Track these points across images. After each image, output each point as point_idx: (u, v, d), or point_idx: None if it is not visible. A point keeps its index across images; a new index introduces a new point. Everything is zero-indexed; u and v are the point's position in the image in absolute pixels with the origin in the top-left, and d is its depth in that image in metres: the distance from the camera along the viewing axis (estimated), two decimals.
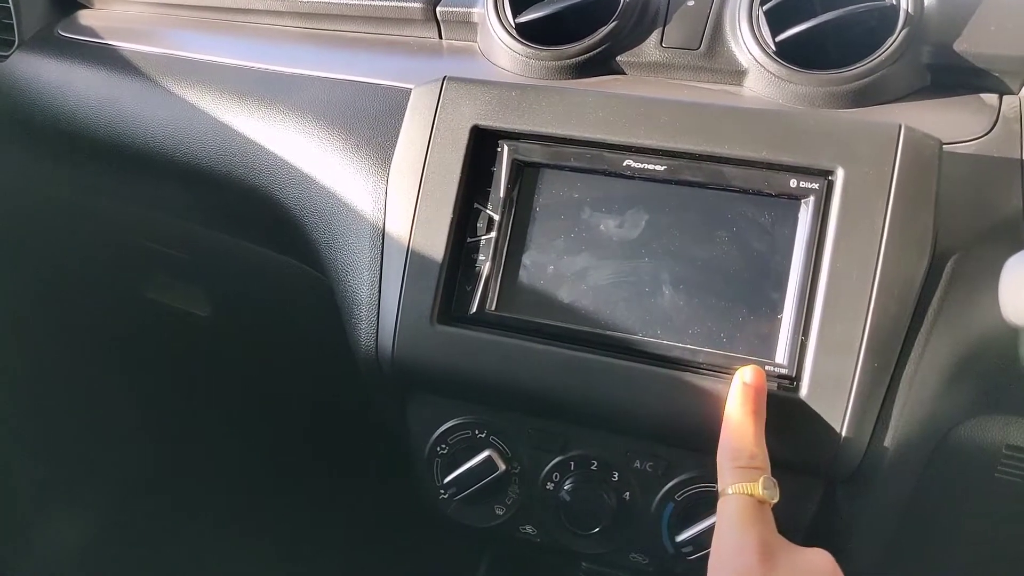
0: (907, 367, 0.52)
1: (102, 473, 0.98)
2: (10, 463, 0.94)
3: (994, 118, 0.59)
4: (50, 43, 0.87)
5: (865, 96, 0.60)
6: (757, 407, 0.51)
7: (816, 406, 0.52)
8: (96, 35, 0.85)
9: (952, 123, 0.59)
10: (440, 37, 0.75)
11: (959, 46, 0.60)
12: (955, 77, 0.61)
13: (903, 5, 0.60)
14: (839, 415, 0.52)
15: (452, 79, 0.62)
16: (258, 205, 0.72)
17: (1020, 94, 0.60)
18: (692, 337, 0.56)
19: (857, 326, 0.52)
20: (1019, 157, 0.56)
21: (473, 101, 0.61)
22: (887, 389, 0.52)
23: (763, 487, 0.47)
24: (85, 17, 0.90)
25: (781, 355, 0.54)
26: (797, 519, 0.57)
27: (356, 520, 0.93)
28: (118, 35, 0.84)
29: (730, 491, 0.48)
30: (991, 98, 0.61)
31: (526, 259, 0.60)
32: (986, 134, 0.58)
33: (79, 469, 0.97)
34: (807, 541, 0.53)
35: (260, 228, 0.77)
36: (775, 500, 0.48)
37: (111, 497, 0.97)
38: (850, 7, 0.59)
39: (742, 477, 0.48)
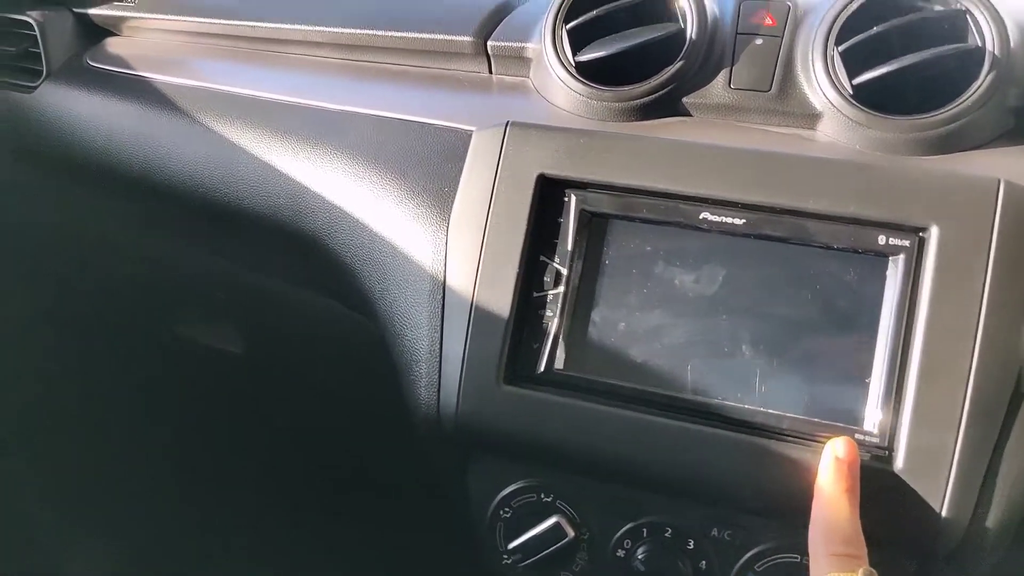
0: (1010, 439, 0.50)
1: (130, 510, 0.95)
2: (43, 494, 0.92)
3: None
4: (80, 74, 0.84)
5: (949, 143, 0.57)
6: (851, 485, 0.48)
7: (913, 481, 0.50)
8: (127, 65, 0.82)
9: None
10: (490, 72, 0.72)
11: None
12: None
13: (988, 47, 0.57)
14: (939, 490, 0.49)
15: (516, 124, 0.59)
16: (305, 250, 0.70)
17: None
18: (774, 401, 0.53)
19: (957, 394, 0.49)
20: None
21: (539, 148, 0.58)
22: (989, 461, 0.50)
23: None
24: (114, 45, 0.87)
25: (872, 423, 0.51)
26: None
27: None
28: (150, 66, 0.81)
29: None
30: None
31: (595, 316, 0.57)
32: None
33: (107, 502, 0.94)
34: None
35: (307, 273, 0.74)
36: None
37: (141, 533, 0.95)
38: (935, 49, 0.56)
39: (839, 566, 0.45)
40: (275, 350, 0.87)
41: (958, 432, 0.49)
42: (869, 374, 0.52)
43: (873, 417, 0.51)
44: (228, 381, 0.91)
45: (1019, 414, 0.50)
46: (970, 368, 0.49)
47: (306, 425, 0.88)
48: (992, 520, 0.50)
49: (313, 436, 0.89)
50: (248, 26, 0.80)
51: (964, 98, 0.57)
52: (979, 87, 0.57)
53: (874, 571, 0.45)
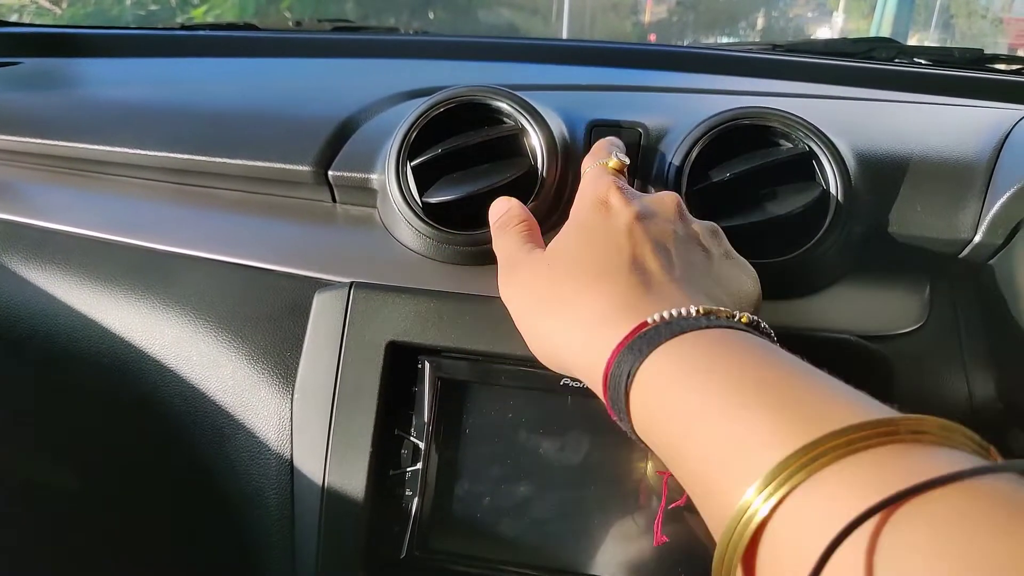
0: None
1: None
2: None
3: (926, 302, 0.57)
4: None
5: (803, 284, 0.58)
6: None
7: None
8: None
9: (886, 312, 0.57)
10: (334, 201, 0.68)
11: (889, 229, 0.58)
12: (883, 258, 0.59)
13: (833, 194, 0.57)
14: None
15: (361, 286, 0.55)
16: (138, 422, 0.63)
17: (948, 274, 0.59)
18: (649, 570, 0.52)
19: None
20: (958, 347, 0.55)
21: (387, 313, 0.54)
22: None
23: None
24: None
25: None
26: None
27: None
28: None
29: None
30: (920, 279, 0.59)
31: (458, 490, 0.54)
32: (921, 326, 0.56)
33: None
34: None
35: (141, 450, 0.66)
36: (628, 163, 0.52)
37: None
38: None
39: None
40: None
41: None
42: None
43: None
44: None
45: None
46: None
47: None
48: None
49: None
50: (64, 146, 0.72)
51: (811, 241, 0.57)
52: (822, 231, 0.57)
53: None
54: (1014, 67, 0.92)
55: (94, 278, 0.64)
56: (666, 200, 0.47)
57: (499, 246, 0.51)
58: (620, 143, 0.57)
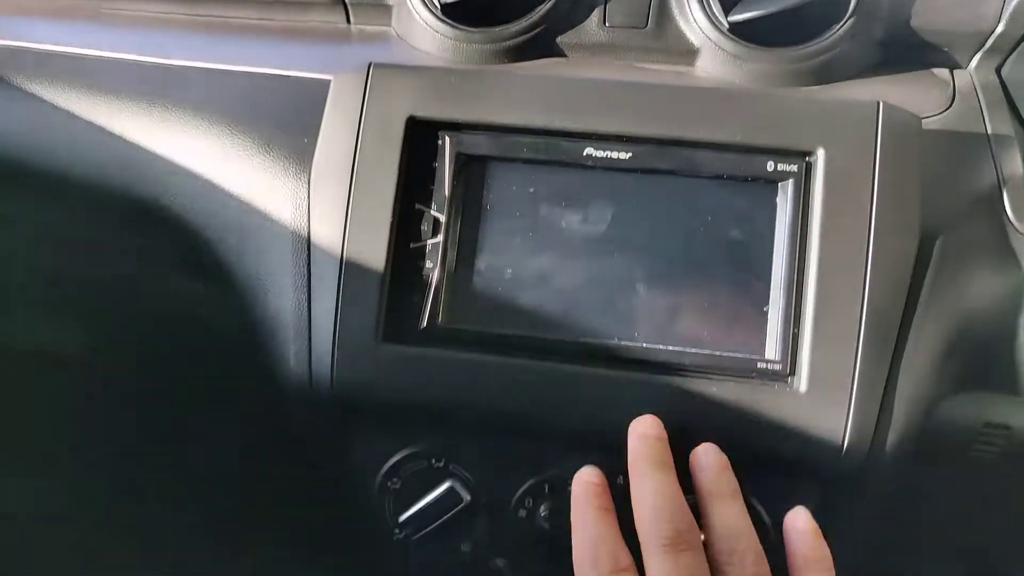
0: (905, 351, 0.49)
1: None
2: None
3: (950, 93, 0.57)
4: None
5: (824, 73, 0.57)
6: (665, 458, 0.47)
7: (815, 402, 0.48)
8: None
9: (912, 99, 0.56)
10: (348, 22, 0.67)
11: (912, 22, 0.58)
12: (907, 53, 0.59)
13: None
14: (842, 407, 0.48)
15: (380, 66, 0.54)
16: (149, 224, 0.62)
17: (969, 68, 0.59)
18: (673, 338, 0.51)
19: (854, 312, 0.48)
20: (984, 131, 0.55)
21: (406, 89, 0.53)
22: (887, 377, 0.49)
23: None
24: None
25: (772, 350, 0.50)
26: None
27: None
28: None
29: None
30: (943, 73, 0.59)
31: (479, 264, 0.53)
32: (947, 109, 0.56)
33: None
34: None
35: (154, 251, 0.65)
36: None
37: None
38: None
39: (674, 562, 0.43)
40: (121, 348, 0.78)
41: (857, 348, 0.48)
42: (767, 301, 0.50)
43: (773, 343, 0.50)
44: (65, 390, 0.80)
45: (911, 329, 0.49)
46: (864, 284, 0.48)
47: (161, 430, 0.79)
48: (893, 436, 0.49)
49: (171, 439, 0.80)
50: None
51: (834, 31, 0.57)
52: (848, 19, 0.57)
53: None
54: None
55: (99, 90, 0.63)
56: None
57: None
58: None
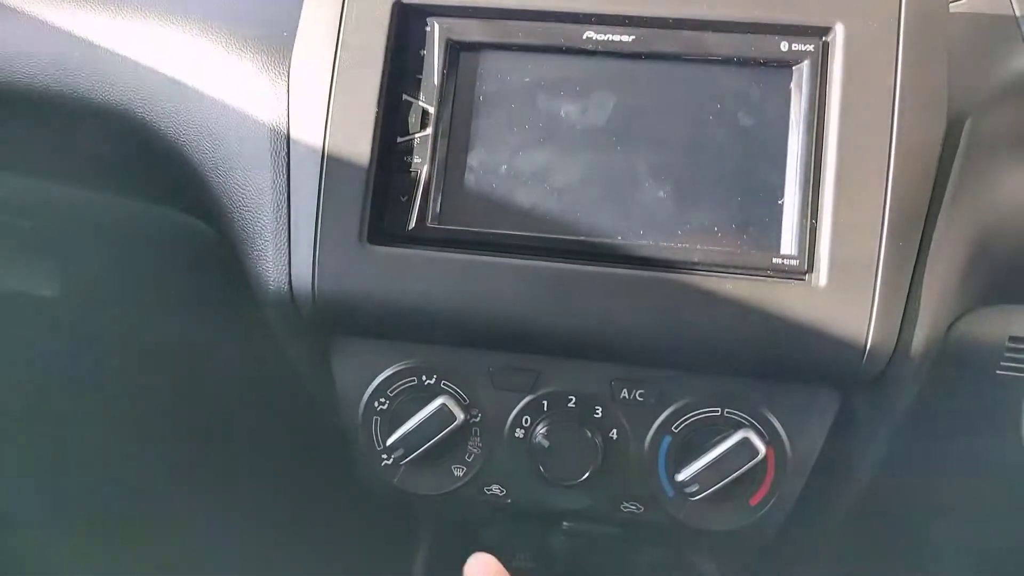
0: (931, 247, 0.45)
1: None
2: None
3: None
4: None
5: None
6: None
7: (837, 298, 0.44)
8: None
9: None
10: None
11: None
12: None
13: None
14: (865, 305, 0.44)
15: None
16: (115, 132, 0.57)
17: None
18: (682, 234, 0.47)
19: (877, 201, 0.45)
20: (1012, 13, 0.51)
21: None
22: (912, 273, 0.45)
23: None
24: None
25: (789, 244, 0.46)
26: (812, 441, 0.50)
27: (267, 511, 0.78)
28: None
29: None
30: None
31: (472, 159, 0.49)
32: None
33: None
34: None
35: (123, 164, 0.61)
36: None
37: None
38: None
39: None
40: (100, 284, 0.73)
41: (880, 240, 0.44)
42: (782, 193, 0.46)
43: (790, 237, 0.46)
44: (41, 331, 0.76)
45: (939, 220, 0.46)
46: (887, 172, 0.45)
47: (133, 360, 0.74)
48: (919, 340, 0.45)
49: (151, 382, 0.75)
50: None
51: None
52: None
53: None
54: None
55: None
56: None
57: None
58: None
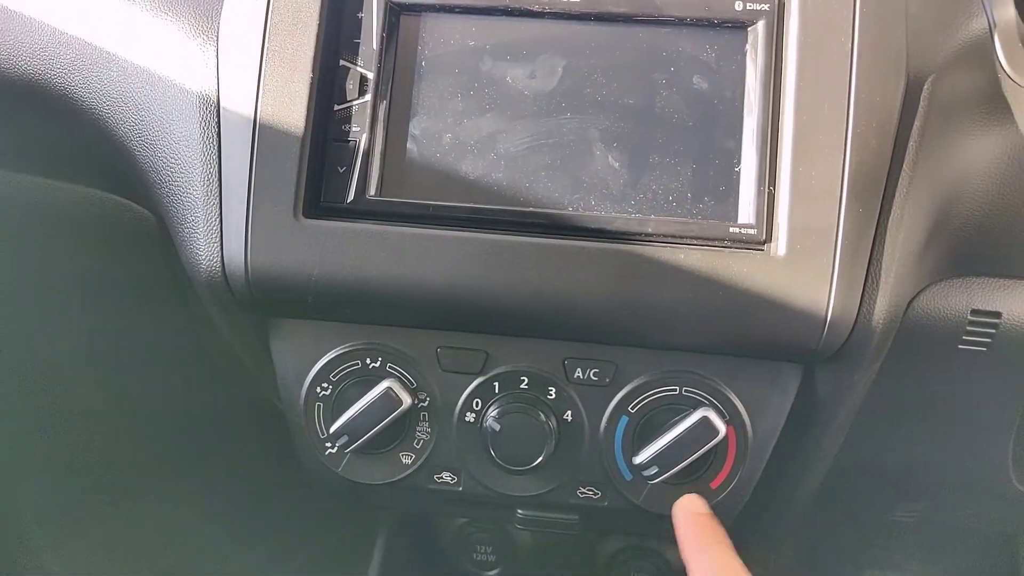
0: (892, 213, 0.44)
1: None
2: None
3: None
4: None
5: None
6: (721, 534, 0.43)
7: (797, 267, 0.43)
8: None
9: None
10: None
11: None
12: None
13: None
14: (825, 274, 0.42)
15: None
16: (36, 106, 0.54)
17: None
18: (635, 204, 0.45)
19: (836, 165, 0.43)
20: None
21: None
22: (873, 239, 0.43)
23: None
24: None
25: (747, 213, 0.44)
26: (773, 420, 0.48)
27: (216, 507, 0.75)
28: None
29: None
30: None
31: (414, 127, 0.46)
32: None
33: None
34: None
35: (47, 143, 0.57)
36: None
37: None
38: None
39: None
40: (26, 274, 0.69)
41: (840, 206, 0.43)
42: (739, 159, 0.45)
43: (747, 206, 0.44)
44: None
45: (900, 180, 0.44)
46: (846, 135, 0.43)
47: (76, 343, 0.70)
48: (881, 307, 0.44)
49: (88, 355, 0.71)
50: None
51: None
52: None
53: None
54: None
55: None
56: None
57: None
58: None
